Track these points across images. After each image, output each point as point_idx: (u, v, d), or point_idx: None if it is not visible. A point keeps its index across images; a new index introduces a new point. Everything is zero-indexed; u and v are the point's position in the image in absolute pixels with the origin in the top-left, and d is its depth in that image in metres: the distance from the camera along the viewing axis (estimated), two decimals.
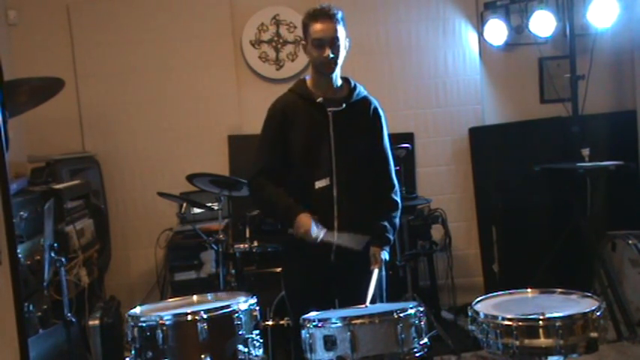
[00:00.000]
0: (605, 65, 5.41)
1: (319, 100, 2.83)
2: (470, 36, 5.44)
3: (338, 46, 2.79)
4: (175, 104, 5.18)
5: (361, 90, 2.95)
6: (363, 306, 2.59)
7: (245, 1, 5.25)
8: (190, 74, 5.18)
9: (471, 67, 5.45)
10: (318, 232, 2.70)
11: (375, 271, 2.77)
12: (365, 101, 2.94)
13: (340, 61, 2.84)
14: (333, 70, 2.83)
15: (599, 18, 4.96)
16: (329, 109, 2.83)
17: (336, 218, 2.80)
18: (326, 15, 2.77)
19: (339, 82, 2.91)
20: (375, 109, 2.95)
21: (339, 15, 2.80)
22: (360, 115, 2.91)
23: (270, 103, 2.96)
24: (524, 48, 5.47)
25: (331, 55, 2.77)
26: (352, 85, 2.94)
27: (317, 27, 2.77)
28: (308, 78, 2.95)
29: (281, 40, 5.26)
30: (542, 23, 5.07)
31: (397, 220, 2.94)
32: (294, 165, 2.86)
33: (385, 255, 2.85)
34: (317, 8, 2.81)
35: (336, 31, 2.78)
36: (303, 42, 2.89)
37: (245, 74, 5.27)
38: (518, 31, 5.31)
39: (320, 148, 2.82)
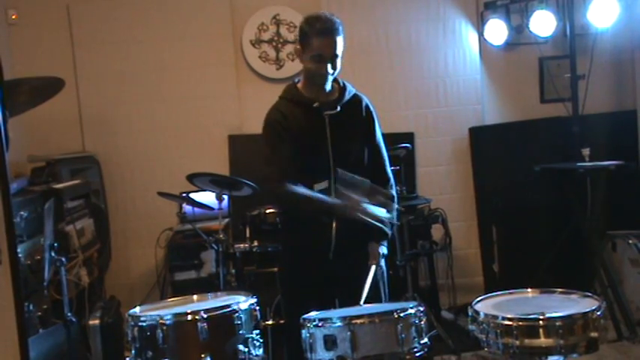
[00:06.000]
0: (605, 65, 5.41)
1: (315, 105, 2.80)
2: (470, 36, 5.44)
3: (337, 62, 2.77)
4: (175, 104, 5.18)
5: (350, 88, 2.93)
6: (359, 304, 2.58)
7: (245, 0, 5.25)
8: (190, 74, 5.17)
9: (471, 67, 5.46)
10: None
11: (373, 267, 2.77)
12: (356, 99, 2.92)
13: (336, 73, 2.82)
14: (326, 82, 2.81)
15: (599, 18, 4.97)
16: (325, 112, 2.82)
17: (334, 220, 2.80)
18: (328, 31, 2.71)
19: (329, 85, 2.86)
20: (367, 106, 2.94)
21: (340, 27, 2.75)
22: (354, 115, 2.90)
23: (271, 103, 2.94)
24: (524, 48, 5.47)
25: (330, 71, 2.75)
26: (341, 84, 2.92)
27: (318, 42, 2.71)
28: (298, 82, 2.91)
29: (281, 40, 5.26)
30: (543, 23, 5.07)
31: (394, 213, 2.93)
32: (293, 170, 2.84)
33: (383, 249, 2.85)
34: (320, 20, 2.74)
35: (336, 47, 2.73)
36: (298, 47, 2.82)
37: (245, 74, 5.27)
38: (519, 31, 5.30)
39: (318, 152, 2.81)
